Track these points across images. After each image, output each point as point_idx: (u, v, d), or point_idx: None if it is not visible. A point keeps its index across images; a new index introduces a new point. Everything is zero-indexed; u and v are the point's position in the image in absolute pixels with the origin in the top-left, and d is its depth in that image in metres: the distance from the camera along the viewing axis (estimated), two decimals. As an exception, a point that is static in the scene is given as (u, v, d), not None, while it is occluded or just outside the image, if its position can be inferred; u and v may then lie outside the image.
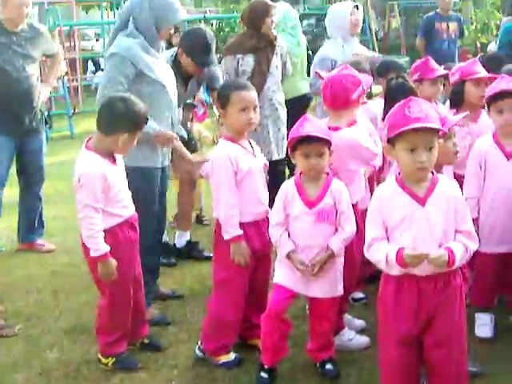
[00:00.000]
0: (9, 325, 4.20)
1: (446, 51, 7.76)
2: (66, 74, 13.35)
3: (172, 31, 5.49)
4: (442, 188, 2.77)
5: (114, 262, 3.44)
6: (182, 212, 5.49)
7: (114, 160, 3.56)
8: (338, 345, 3.67)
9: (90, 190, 3.41)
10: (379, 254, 2.77)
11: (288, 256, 3.36)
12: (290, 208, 3.36)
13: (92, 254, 3.44)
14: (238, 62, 5.63)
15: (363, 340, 3.83)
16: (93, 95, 17.02)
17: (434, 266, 2.67)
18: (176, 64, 4.72)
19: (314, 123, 3.31)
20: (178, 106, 4.51)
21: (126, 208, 3.61)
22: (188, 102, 5.28)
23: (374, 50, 14.90)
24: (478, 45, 16.66)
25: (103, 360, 3.67)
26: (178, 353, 3.82)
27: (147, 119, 3.59)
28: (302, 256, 3.35)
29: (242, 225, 3.56)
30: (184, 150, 4.38)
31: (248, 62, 5.63)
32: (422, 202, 2.74)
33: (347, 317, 3.96)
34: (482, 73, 4.37)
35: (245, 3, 25.76)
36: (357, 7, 6.06)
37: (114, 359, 3.64)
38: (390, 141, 2.76)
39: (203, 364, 3.68)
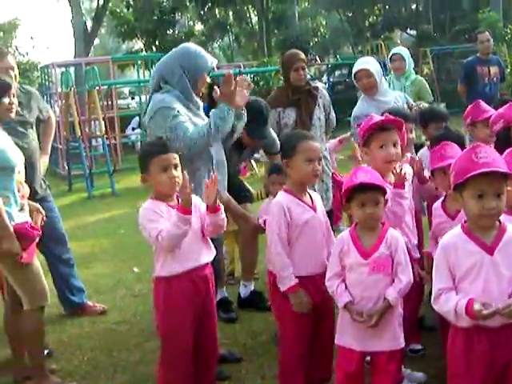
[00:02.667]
0: (64, 382, 4.21)
1: (488, 94, 7.70)
2: (106, 132, 13.62)
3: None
4: (510, 236, 2.72)
5: None
6: (247, 263, 5.43)
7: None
8: (399, 398, 3.57)
9: None
10: (448, 305, 2.71)
11: (345, 307, 3.31)
12: (346, 259, 3.32)
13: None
14: (279, 116, 5.67)
15: (425, 393, 3.73)
16: (131, 152, 17.46)
17: (507, 317, 2.61)
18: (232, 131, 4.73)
19: (367, 172, 3.29)
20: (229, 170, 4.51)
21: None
22: None
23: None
24: (512, 88, 16.61)
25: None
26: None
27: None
28: (358, 307, 3.28)
29: (300, 278, 3.52)
30: (242, 210, 4.39)
31: (289, 114, 5.67)
32: (490, 250, 2.69)
33: (406, 371, 3.87)
34: None
35: (277, 55, 26.32)
36: (367, 70, 5.57)
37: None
38: (457, 188, 2.73)
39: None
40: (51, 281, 5.39)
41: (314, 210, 3.64)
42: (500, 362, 2.72)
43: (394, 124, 3.82)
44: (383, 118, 3.86)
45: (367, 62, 5.80)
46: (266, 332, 4.79)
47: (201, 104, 4.31)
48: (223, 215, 3.59)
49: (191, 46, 4.31)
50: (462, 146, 3.89)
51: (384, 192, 3.27)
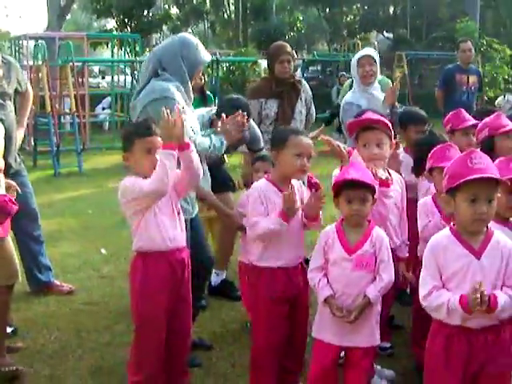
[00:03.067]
0: (14, 364, 4.05)
1: (465, 103, 7.85)
2: (77, 110, 13.40)
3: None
4: (496, 241, 2.78)
5: None
6: (223, 252, 5.39)
7: None
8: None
9: None
10: (439, 300, 2.76)
11: (326, 301, 3.30)
12: (330, 253, 3.32)
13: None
14: (261, 107, 5.65)
15: (395, 390, 3.77)
16: (99, 132, 17.24)
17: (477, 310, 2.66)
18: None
19: (358, 169, 3.30)
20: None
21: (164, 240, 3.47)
22: None
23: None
24: (486, 98, 16.90)
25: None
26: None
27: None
28: (338, 302, 3.28)
29: (272, 269, 3.51)
30: (220, 206, 4.38)
31: (271, 106, 5.65)
32: (477, 254, 2.75)
33: (377, 367, 3.91)
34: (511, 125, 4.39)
35: (252, 46, 26.22)
36: (371, 57, 5.64)
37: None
38: (450, 191, 2.78)
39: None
40: (19, 257, 5.29)
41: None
42: (477, 362, 2.79)
43: (378, 124, 3.83)
44: (374, 116, 3.87)
45: (372, 51, 5.83)
46: (236, 321, 4.81)
47: (192, 96, 4.23)
48: (195, 155, 3.50)
49: (191, 37, 4.24)
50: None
51: (373, 190, 3.27)
